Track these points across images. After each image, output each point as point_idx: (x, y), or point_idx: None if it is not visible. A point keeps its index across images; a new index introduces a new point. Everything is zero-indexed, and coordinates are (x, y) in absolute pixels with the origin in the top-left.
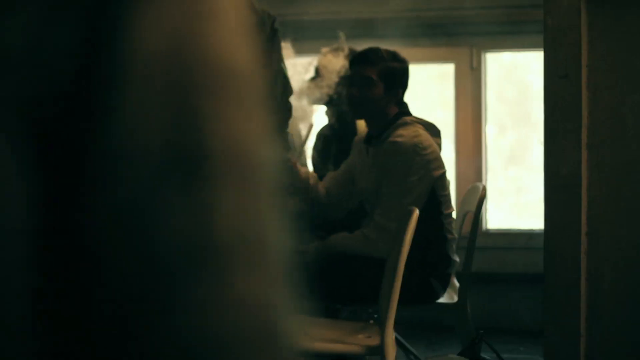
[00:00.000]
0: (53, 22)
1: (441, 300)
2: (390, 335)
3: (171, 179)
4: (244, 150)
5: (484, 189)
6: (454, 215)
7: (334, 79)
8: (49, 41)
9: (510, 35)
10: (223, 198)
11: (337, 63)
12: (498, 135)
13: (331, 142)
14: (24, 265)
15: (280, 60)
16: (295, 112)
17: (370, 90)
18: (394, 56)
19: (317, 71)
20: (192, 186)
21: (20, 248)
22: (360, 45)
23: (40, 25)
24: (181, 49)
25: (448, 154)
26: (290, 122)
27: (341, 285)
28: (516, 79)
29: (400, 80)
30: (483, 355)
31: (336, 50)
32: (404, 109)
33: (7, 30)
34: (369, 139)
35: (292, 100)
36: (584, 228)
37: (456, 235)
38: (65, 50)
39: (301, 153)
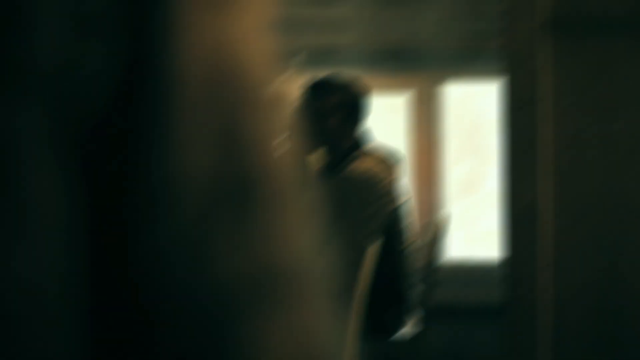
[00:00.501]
0: (85, 38)
1: (400, 334)
2: None
3: (223, 209)
4: (288, 175)
5: (444, 219)
6: (414, 246)
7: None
8: (82, 59)
9: (467, 65)
10: (275, 226)
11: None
12: (451, 165)
13: None
14: (64, 303)
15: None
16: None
17: (327, 121)
18: (352, 84)
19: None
20: (245, 216)
21: (60, 285)
22: (318, 73)
23: (72, 41)
24: (225, 70)
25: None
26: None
27: None
28: (469, 109)
29: (359, 109)
30: None
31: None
32: (360, 140)
33: (35, 47)
34: (324, 171)
35: None
36: (545, 259)
37: (416, 268)
38: (101, 69)
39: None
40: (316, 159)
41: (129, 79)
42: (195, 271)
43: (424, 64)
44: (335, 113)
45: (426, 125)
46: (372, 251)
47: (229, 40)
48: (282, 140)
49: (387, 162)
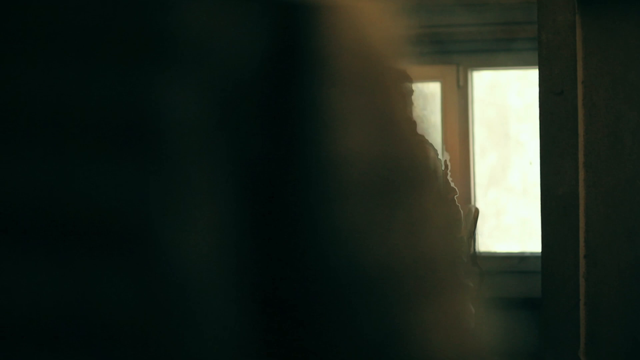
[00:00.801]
0: (230, 13)
1: None
2: None
3: (381, 194)
4: (427, 160)
5: (477, 211)
6: None
7: None
8: (228, 33)
9: (499, 53)
10: (428, 213)
11: None
12: (478, 157)
13: None
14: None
15: None
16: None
17: None
18: None
19: None
20: (400, 201)
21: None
22: None
23: (217, 16)
24: (368, 54)
25: None
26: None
27: None
28: (495, 99)
29: None
30: None
31: None
32: None
33: (180, 19)
34: None
35: None
36: (582, 251)
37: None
38: (250, 46)
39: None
40: None
41: (281, 61)
42: (359, 258)
43: (454, 53)
44: None
45: (456, 115)
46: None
47: (367, 23)
48: (417, 124)
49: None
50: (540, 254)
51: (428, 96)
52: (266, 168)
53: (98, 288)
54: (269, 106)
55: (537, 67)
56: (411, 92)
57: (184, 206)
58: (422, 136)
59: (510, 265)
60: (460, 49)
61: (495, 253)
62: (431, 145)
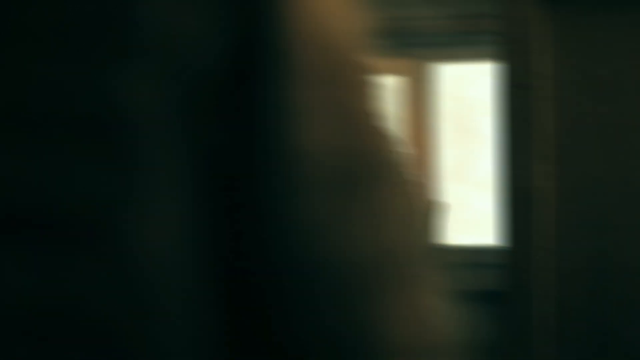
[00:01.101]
0: (189, 6)
1: None
2: None
3: (344, 185)
4: (390, 152)
5: (440, 203)
6: None
7: None
8: (188, 26)
9: (460, 47)
10: (390, 206)
11: None
12: (442, 150)
13: None
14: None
15: None
16: None
17: None
18: None
19: None
20: (362, 192)
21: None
22: None
23: (176, 8)
24: (328, 46)
25: None
26: None
27: None
28: (456, 93)
29: None
30: None
31: None
32: None
33: (141, 15)
34: None
35: None
36: (548, 244)
37: None
38: (211, 38)
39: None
40: None
41: (242, 53)
42: (322, 251)
43: (416, 46)
44: None
45: (418, 109)
46: None
47: (328, 16)
48: (378, 116)
49: None
50: (500, 247)
51: (391, 89)
52: (227, 160)
53: (62, 282)
54: (230, 97)
55: (499, 60)
56: (374, 84)
57: (145, 197)
58: (385, 129)
59: (470, 257)
60: (423, 42)
61: (457, 246)
62: (394, 138)
